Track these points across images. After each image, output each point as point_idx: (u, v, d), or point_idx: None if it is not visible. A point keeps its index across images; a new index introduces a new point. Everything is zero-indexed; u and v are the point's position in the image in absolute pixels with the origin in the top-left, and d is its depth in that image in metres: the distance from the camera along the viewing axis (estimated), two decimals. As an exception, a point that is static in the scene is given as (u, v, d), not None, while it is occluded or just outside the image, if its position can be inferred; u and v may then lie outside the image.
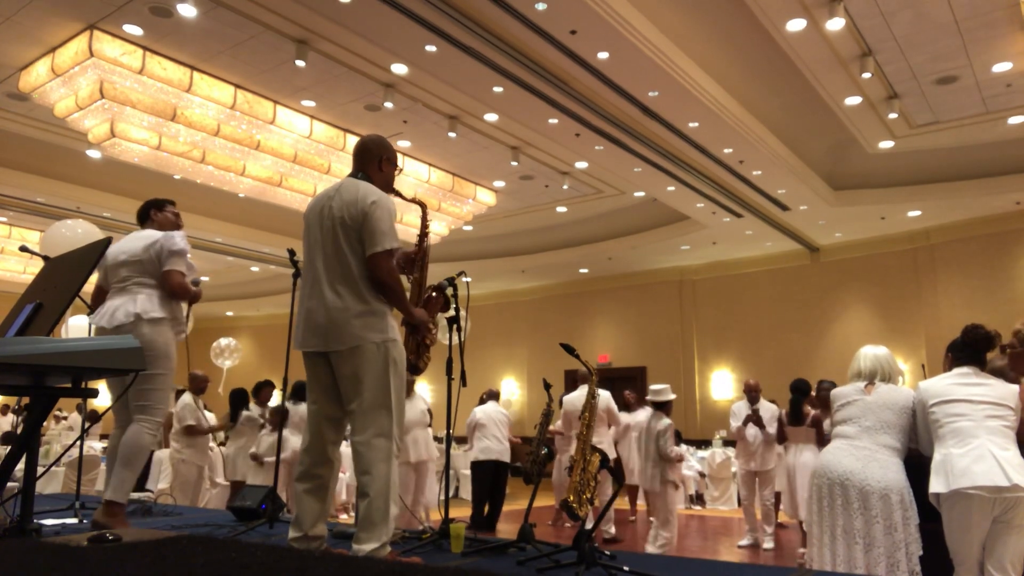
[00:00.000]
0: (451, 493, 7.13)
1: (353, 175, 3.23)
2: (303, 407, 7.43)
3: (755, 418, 7.41)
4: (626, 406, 9.71)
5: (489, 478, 8.02)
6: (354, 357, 2.95)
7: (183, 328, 3.88)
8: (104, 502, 3.58)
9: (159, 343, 3.65)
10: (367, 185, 3.13)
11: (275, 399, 7.92)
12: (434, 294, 3.53)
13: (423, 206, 3.56)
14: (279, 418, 7.11)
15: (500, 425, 8.11)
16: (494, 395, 8.55)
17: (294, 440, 7.37)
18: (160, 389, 3.68)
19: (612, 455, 7.94)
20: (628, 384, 13.07)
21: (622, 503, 10.24)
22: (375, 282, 3.02)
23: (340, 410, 3.10)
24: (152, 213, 4.06)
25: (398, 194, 3.38)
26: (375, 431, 2.93)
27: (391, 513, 2.89)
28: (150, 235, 3.83)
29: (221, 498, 7.88)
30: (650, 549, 6.41)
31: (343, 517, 9.31)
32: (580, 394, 7.78)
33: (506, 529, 8.30)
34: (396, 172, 3.37)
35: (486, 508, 8.12)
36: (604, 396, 7.57)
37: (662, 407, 6.43)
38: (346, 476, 9.40)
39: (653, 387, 6.62)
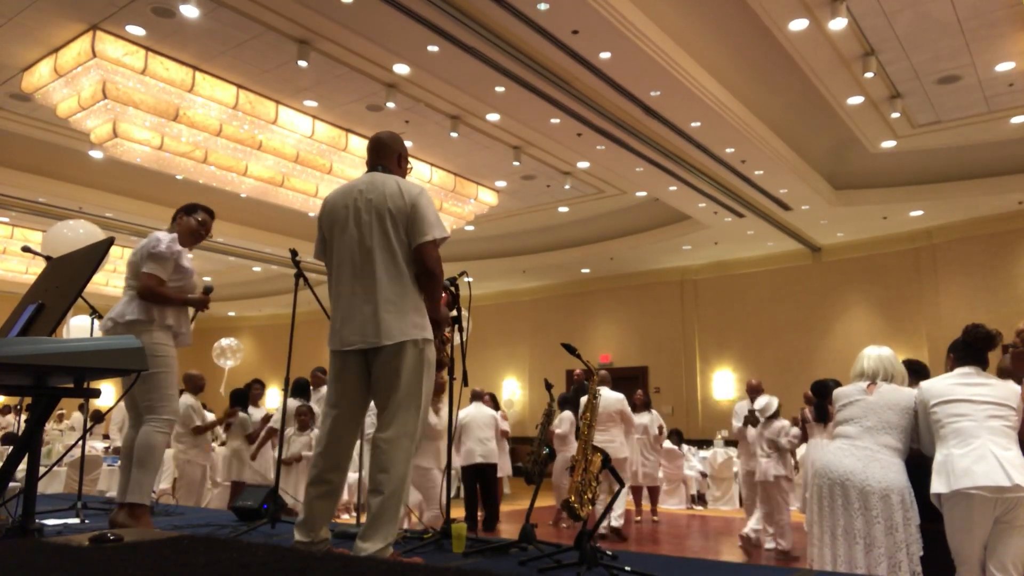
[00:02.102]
0: (452, 493, 7.12)
1: (374, 169, 3.20)
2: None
3: (753, 419, 7.40)
4: (633, 406, 9.75)
5: (474, 481, 7.96)
6: (394, 355, 2.92)
7: (178, 329, 3.79)
8: (127, 504, 3.59)
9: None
10: (402, 178, 3.14)
11: (274, 397, 7.93)
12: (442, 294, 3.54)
13: None
14: (309, 417, 7.13)
15: (484, 427, 8.00)
16: (477, 396, 8.49)
17: (299, 439, 7.38)
18: (158, 389, 3.66)
19: (625, 454, 8.00)
20: (630, 384, 13.05)
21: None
22: (421, 270, 3.00)
23: (360, 414, 3.09)
24: (178, 217, 4.02)
25: None
26: (401, 430, 2.91)
27: (400, 514, 2.89)
28: (147, 237, 3.83)
29: (222, 498, 7.89)
30: (769, 546, 7.04)
31: (344, 517, 9.31)
32: (607, 395, 8.01)
33: (508, 529, 8.30)
34: (408, 170, 3.37)
35: (479, 511, 8.09)
36: (619, 397, 7.98)
37: (774, 417, 7.18)
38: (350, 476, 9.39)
39: (758, 404, 7.34)
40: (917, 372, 6.50)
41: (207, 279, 17.63)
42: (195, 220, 4.01)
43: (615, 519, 8.01)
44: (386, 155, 3.24)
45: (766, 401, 7.31)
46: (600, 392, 7.96)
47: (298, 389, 7.57)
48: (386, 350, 2.93)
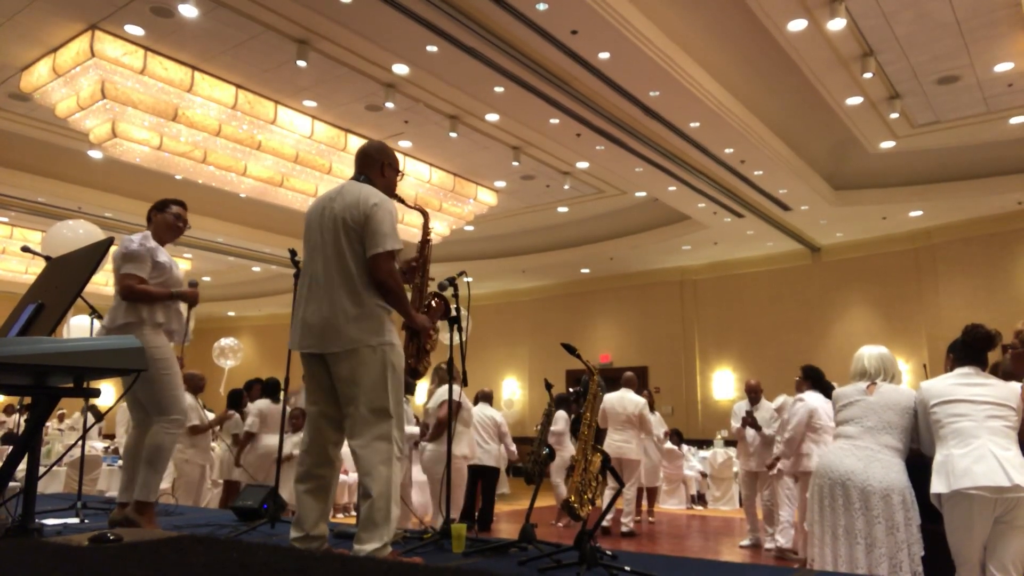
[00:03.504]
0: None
1: (355, 178, 3.24)
2: (278, 407, 7.44)
3: (750, 420, 7.41)
4: None
5: (472, 482, 7.95)
6: (350, 360, 2.95)
7: (169, 327, 3.76)
8: (134, 502, 3.61)
9: None
10: (369, 187, 3.14)
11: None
12: (435, 301, 3.54)
13: (424, 213, 3.57)
14: (302, 420, 7.13)
15: (483, 428, 8.01)
16: (484, 396, 8.50)
17: (268, 439, 7.34)
18: (162, 390, 3.65)
19: (639, 456, 8.16)
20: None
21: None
22: (376, 283, 3.01)
23: (340, 410, 3.10)
24: (152, 215, 3.98)
25: (400, 200, 3.38)
26: (374, 435, 2.93)
27: (393, 514, 2.89)
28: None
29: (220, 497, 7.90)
30: (781, 540, 7.00)
31: (339, 516, 9.31)
32: (621, 396, 8.30)
33: (507, 529, 8.30)
34: (398, 177, 3.37)
35: (477, 508, 8.11)
36: (641, 401, 8.29)
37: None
38: (347, 477, 9.40)
39: (776, 403, 7.39)
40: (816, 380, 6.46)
41: (206, 278, 17.63)
42: (170, 215, 3.97)
43: (624, 526, 8.24)
44: (369, 165, 3.27)
45: (783, 401, 7.41)
46: (602, 393, 8.05)
47: (269, 389, 7.58)
48: (340, 356, 2.97)
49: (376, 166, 3.27)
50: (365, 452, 2.91)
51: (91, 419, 9.56)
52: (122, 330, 3.62)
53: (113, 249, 3.80)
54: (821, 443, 6.01)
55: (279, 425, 7.36)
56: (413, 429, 7.18)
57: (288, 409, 7.55)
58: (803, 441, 6.12)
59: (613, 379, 8.61)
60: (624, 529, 8.18)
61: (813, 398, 6.19)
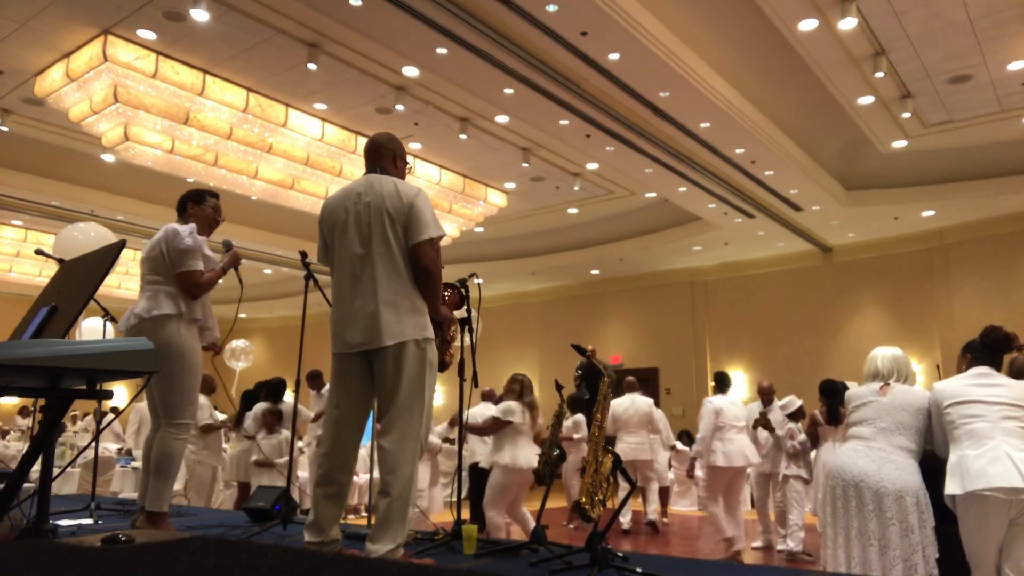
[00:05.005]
0: (463, 495, 7.10)
1: (372, 171, 3.23)
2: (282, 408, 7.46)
3: (763, 421, 7.37)
4: None
5: (478, 482, 7.94)
6: (397, 355, 2.95)
7: (204, 324, 3.75)
8: (145, 513, 3.58)
9: (168, 342, 3.51)
10: (399, 179, 3.17)
11: (288, 397, 7.94)
12: (448, 292, 3.57)
13: None
14: (273, 419, 7.16)
15: None
16: (488, 396, 8.55)
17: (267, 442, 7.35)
18: (180, 390, 3.59)
19: (651, 456, 8.36)
20: (641, 385, 12.99)
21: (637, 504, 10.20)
22: (419, 269, 3.02)
23: (364, 414, 3.11)
24: (189, 207, 3.92)
25: None
26: (406, 431, 2.93)
27: (408, 515, 2.90)
28: (161, 231, 3.76)
29: (234, 499, 7.91)
30: (791, 543, 7.17)
31: (350, 518, 9.32)
32: (632, 400, 8.62)
33: (518, 531, 8.26)
34: (407, 170, 3.39)
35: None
36: (650, 402, 8.73)
37: (792, 417, 7.41)
38: (358, 479, 9.41)
39: (782, 402, 7.55)
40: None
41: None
42: (209, 208, 3.96)
43: (651, 513, 8.74)
44: (382, 157, 3.27)
45: (788, 400, 7.52)
46: (611, 394, 8.07)
47: (271, 391, 7.54)
48: (387, 350, 2.95)
49: (388, 156, 3.28)
50: (394, 448, 2.91)
51: (104, 419, 9.62)
52: (156, 321, 3.55)
53: (127, 250, 3.82)
54: (725, 440, 6.77)
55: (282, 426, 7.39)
56: (436, 440, 7.19)
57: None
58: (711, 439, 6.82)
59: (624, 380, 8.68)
60: (650, 517, 8.64)
61: (718, 399, 6.99)
